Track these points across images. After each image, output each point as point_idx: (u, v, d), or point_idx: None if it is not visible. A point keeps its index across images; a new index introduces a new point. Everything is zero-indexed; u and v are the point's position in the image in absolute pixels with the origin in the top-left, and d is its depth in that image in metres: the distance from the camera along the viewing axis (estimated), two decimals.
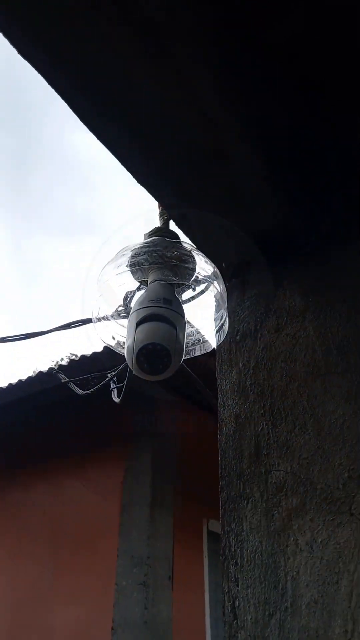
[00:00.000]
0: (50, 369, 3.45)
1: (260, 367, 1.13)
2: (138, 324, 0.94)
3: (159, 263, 0.98)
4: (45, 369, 3.96)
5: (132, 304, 1.13)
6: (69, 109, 0.98)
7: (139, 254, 0.99)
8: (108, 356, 3.38)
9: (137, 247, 1.02)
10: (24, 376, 4.10)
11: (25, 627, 4.22)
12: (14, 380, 4.10)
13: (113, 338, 1.08)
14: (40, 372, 3.88)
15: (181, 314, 0.99)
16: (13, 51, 0.89)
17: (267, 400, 1.09)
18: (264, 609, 0.90)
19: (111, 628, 3.69)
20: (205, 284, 1.09)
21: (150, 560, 3.83)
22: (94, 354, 3.65)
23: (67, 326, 1.50)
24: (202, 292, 1.11)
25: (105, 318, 1.08)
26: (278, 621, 0.88)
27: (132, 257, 0.99)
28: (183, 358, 0.97)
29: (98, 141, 1.05)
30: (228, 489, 1.03)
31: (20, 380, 4.03)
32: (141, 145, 1.09)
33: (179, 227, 1.22)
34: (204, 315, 1.14)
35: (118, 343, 1.07)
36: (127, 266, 0.99)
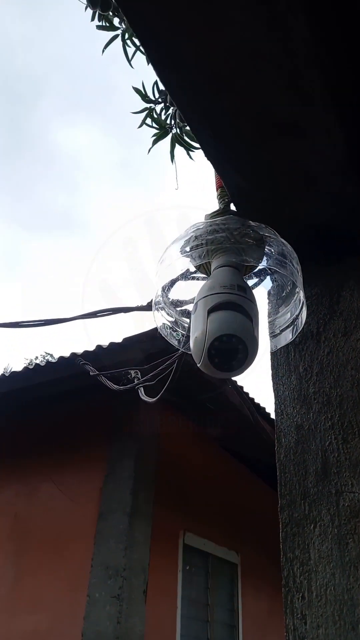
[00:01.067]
0: (73, 355, 3.24)
1: (326, 374, 1.01)
2: (209, 312, 0.81)
3: (239, 242, 0.85)
4: (16, 367, 3.78)
5: (171, 295, 1.00)
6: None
7: (217, 230, 0.85)
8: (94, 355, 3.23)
9: (208, 225, 0.89)
10: (5, 371, 3.90)
11: None
12: None
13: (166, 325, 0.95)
14: (26, 368, 3.69)
15: (255, 303, 0.86)
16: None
17: (335, 411, 0.96)
18: None
19: None
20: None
21: (126, 572, 3.65)
22: (85, 352, 3.49)
23: (94, 314, 1.35)
24: (261, 280, 0.98)
25: (160, 305, 0.94)
26: None
27: (208, 233, 0.85)
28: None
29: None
30: (290, 510, 0.90)
31: (3, 374, 3.83)
32: (206, 107, 0.96)
33: (236, 208, 1.09)
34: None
35: (169, 328, 0.94)
36: (202, 244, 0.85)
